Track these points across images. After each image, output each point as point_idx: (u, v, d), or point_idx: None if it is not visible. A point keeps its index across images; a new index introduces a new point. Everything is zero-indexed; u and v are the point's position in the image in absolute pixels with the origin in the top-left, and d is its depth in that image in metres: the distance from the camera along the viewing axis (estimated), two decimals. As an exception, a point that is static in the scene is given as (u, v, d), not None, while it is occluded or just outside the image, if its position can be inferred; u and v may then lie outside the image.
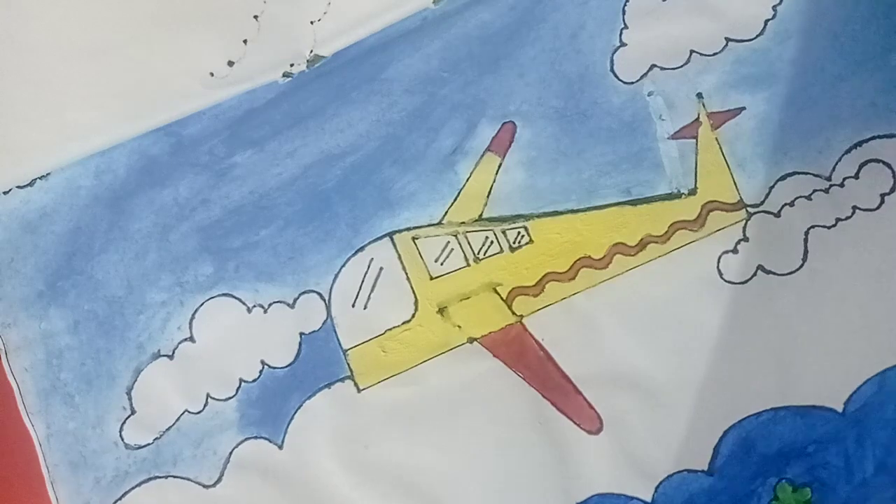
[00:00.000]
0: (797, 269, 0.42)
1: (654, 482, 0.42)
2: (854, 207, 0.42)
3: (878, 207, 0.42)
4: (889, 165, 0.42)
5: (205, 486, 0.43)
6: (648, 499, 0.42)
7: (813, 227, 0.42)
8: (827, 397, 0.41)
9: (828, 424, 0.41)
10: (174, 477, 0.43)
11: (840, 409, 0.41)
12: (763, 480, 0.41)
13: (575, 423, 0.43)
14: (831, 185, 0.42)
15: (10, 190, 0.45)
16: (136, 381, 0.44)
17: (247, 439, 0.44)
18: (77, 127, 0.44)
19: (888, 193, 0.42)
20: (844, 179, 0.42)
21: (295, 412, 0.43)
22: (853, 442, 0.41)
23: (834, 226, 0.42)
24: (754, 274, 0.42)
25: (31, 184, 0.45)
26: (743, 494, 0.41)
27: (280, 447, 0.43)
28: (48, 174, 0.45)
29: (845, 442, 0.41)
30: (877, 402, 0.41)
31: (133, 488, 0.44)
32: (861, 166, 0.42)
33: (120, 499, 0.44)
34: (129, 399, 0.44)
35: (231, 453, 0.44)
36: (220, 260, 0.45)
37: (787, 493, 0.41)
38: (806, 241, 0.42)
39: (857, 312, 0.41)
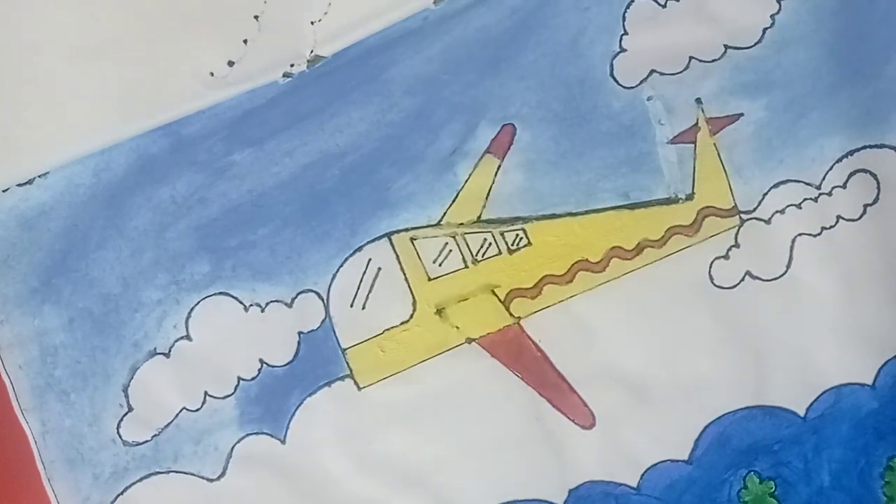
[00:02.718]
0: (781, 276, 0.49)
1: (640, 470, 0.49)
2: (838, 217, 0.48)
3: (859, 218, 0.48)
4: (875, 176, 0.48)
5: (209, 480, 0.49)
6: (634, 485, 0.49)
7: (800, 234, 0.49)
8: (791, 401, 0.49)
9: (791, 427, 0.49)
10: (176, 472, 0.49)
11: (802, 414, 0.49)
12: (735, 471, 0.49)
13: (570, 419, 0.49)
14: (820, 194, 0.49)
15: (9, 188, 0.49)
16: (132, 378, 0.50)
17: (248, 435, 0.49)
18: (77, 126, 0.49)
19: (871, 204, 0.48)
20: (833, 188, 0.49)
21: (296, 409, 0.49)
22: (812, 449, 0.49)
23: (819, 234, 0.48)
24: (742, 279, 0.49)
25: (30, 182, 0.49)
26: (717, 482, 0.49)
27: (283, 442, 0.49)
28: (47, 172, 0.49)
29: (805, 446, 0.49)
30: (833, 415, 0.49)
31: (134, 483, 0.49)
32: (850, 176, 0.48)
33: (121, 494, 0.49)
34: (126, 397, 0.50)
35: (233, 449, 0.49)
36: (217, 258, 0.50)
37: (754, 484, 0.49)
38: (792, 248, 0.49)
39: (827, 323, 0.49)
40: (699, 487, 0.49)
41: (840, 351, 0.49)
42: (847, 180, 0.48)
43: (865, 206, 0.48)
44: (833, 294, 0.49)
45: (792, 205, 0.49)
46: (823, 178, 0.48)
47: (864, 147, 0.48)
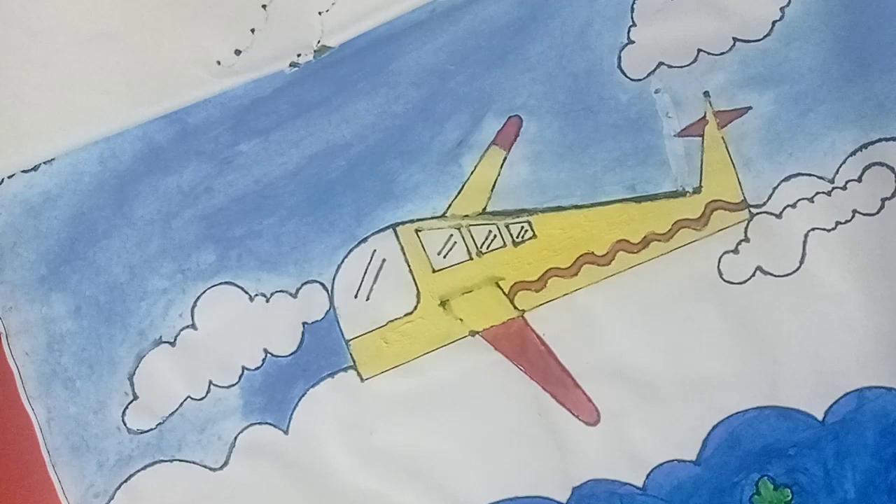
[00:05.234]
0: (794, 272, 0.48)
1: (646, 469, 0.49)
2: (854, 211, 0.48)
3: (877, 212, 0.48)
4: (892, 169, 0.48)
5: (212, 469, 0.50)
6: (640, 484, 0.49)
7: (813, 229, 0.48)
8: (808, 403, 0.48)
9: (808, 430, 0.48)
10: (179, 461, 0.50)
11: (820, 418, 0.48)
12: (746, 474, 0.48)
13: (574, 415, 0.49)
14: (834, 188, 0.48)
15: (14, 174, 0.50)
16: (137, 367, 0.50)
17: (251, 425, 0.50)
18: (83, 113, 0.50)
19: (889, 198, 0.48)
20: (847, 182, 0.48)
21: (299, 399, 0.50)
22: (832, 456, 0.48)
23: (833, 229, 0.48)
24: (753, 275, 0.48)
25: (35, 168, 0.50)
26: (727, 485, 0.48)
27: (285, 432, 0.50)
28: (53, 159, 0.50)
29: (824, 452, 0.48)
30: (856, 420, 0.48)
31: (138, 471, 0.50)
32: (865, 169, 0.48)
33: (125, 481, 0.50)
34: (131, 385, 0.50)
35: (236, 438, 0.50)
36: (223, 248, 0.51)
37: (768, 490, 0.48)
38: (805, 243, 0.48)
39: (846, 321, 0.48)
40: (708, 490, 0.49)
41: (861, 351, 0.48)
42: (862, 174, 0.48)
43: (883, 199, 0.48)
44: (851, 291, 0.48)
45: (804, 199, 0.48)
46: (837, 172, 0.48)
47: (880, 140, 0.48)
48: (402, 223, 0.50)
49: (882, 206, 0.48)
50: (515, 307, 0.49)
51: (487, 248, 0.50)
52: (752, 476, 0.48)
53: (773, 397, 0.48)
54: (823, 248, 0.48)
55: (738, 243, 0.49)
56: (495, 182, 0.50)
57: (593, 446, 0.49)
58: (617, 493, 0.49)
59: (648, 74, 0.49)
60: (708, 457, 0.48)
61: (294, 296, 0.50)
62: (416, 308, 0.50)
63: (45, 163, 0.51)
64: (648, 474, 0.49)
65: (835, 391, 0.48)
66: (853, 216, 0.48)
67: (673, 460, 0.49)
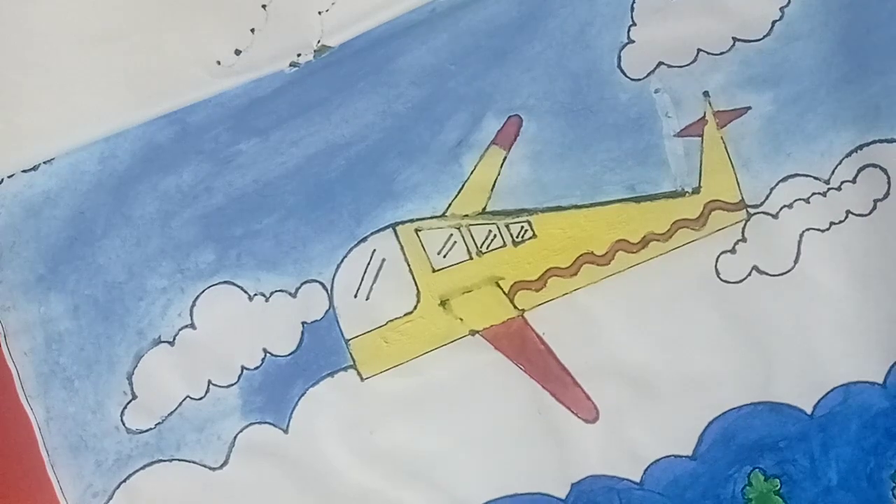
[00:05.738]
0: (788, 271, 0.49)
1: (644, 465, 0.49)
2: (847, 212, 0.48)
3: (870, 213, 0.48)
4: (885, 171, 0.48)
5: (211, 469, 0.50)
6: (637, 479, 0.50)
7: (808, 229, 0.49)
8: (798, 398, 0.49)
9: (798, 424, 0.49)
10: (179, 460, 0.50)
11: (809, 412, 0.49)
12: (739, 467, 0.49)
13: (573, 412, 0.50)
14: (829, 189, 0.49)
15: (14, 174, 0.50)
16: (136, 366, 0.50)
17: (251, 424, 0.50)
18: (83, 113, 0.50)
19: (881, 199, 0.48)
20: (842, 183, 0.48)
21: (299, 399, 0.50)
22: (819, 447, 0.49)
23: (827, 229, 0.48)
24: (749, 274, 0.49)
25: (35, 168, 0.50)
26: (721, 478, 0.49)
27: (285, 431, 0.50)
28: (53, 159, 0.50)
29: (811, 444, 0.49)
30: (842, 413, 0.49)
31: (137, 471, 0.50)
32: (859, 170, 0.48)
33: (124, 481, 0.50)
34: (130, 384, 0.50)
35: (236, 438, 0.50)
36: (222, 248, 0.51)
37: (759, 481, 0.49)
38: (800, 243, 0.49)
39: (835, 319, 0.49)
40: (703, 483, 0.50)
41: (849, 348, 0.49)
42: (857, 175, 0.48)
43: (875, 200, 0.48)
44: (842, 290, 0.49)
45: (800, 199, 0.49)
46: (832, 173, 0.48)
47: (875, 142, 0.48)
48: (402, 223, 0.50)
49: (874, 207, 0.48)
50: (515, 307, 0.50)
51: (487, 248, 0.50)
52: (745, 469, 0.49)
53: (767, 393, 0.49)
54: (817, 249, 0.49)
55: (736, 243, 0.49)
56: (495, 182, 0.50)
57: (592, 443, 0.49)
58: (615, 489, 0.50)
59: (648, 74, 0.49)
60: (703, 452, 0.49)
61: (293, 295, 0.50)
62: (415, 307, 0.50)
63: (45, 163, 0.50)
64: (646, 470, 0.50)
65: (823, 386, 0.49)
66: (846, 217, 0.49)
67: (670, 455, 0.49)
